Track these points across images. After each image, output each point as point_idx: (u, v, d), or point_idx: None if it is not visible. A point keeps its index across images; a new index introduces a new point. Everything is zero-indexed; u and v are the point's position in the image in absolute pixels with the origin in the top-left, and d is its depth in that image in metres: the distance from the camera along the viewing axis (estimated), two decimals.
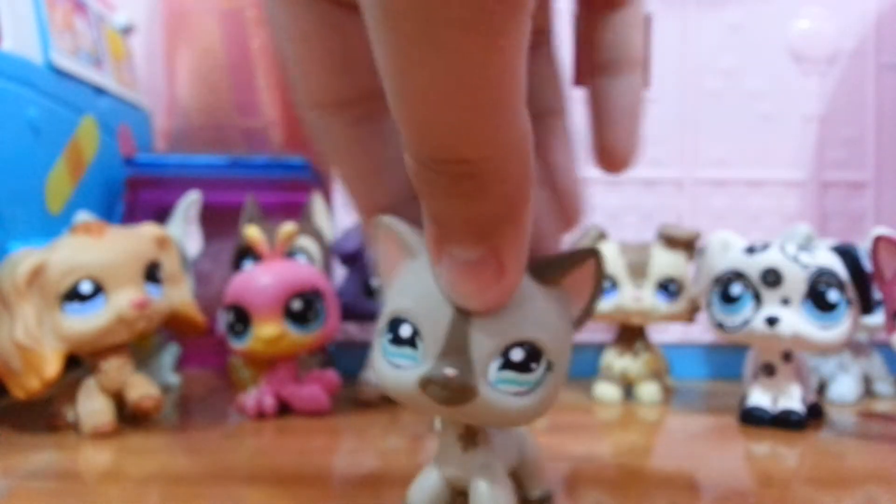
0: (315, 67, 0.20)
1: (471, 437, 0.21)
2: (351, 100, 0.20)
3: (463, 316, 0.18)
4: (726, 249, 0.37)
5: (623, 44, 0.23)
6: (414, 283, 0.19)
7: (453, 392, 0.18)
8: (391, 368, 0.19)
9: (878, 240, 0.33)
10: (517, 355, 0.18)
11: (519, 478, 0.24)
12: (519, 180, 0.16)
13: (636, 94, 0.23)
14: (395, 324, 0.19)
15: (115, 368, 0.35)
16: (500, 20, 0.13)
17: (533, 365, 0.19)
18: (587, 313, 0.20)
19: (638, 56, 0.23)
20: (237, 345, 0.37)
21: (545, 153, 0.22)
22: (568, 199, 0.22)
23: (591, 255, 0.20)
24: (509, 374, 0.18)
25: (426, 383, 0.18)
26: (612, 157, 0.23)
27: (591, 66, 0.23)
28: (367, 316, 0.42)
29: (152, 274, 0.36)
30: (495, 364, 0.18)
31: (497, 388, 0.18)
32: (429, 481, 0.22)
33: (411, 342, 0.19)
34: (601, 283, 0.20)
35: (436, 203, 0.16)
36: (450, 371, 0.18)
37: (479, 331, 0.18)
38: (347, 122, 0.21)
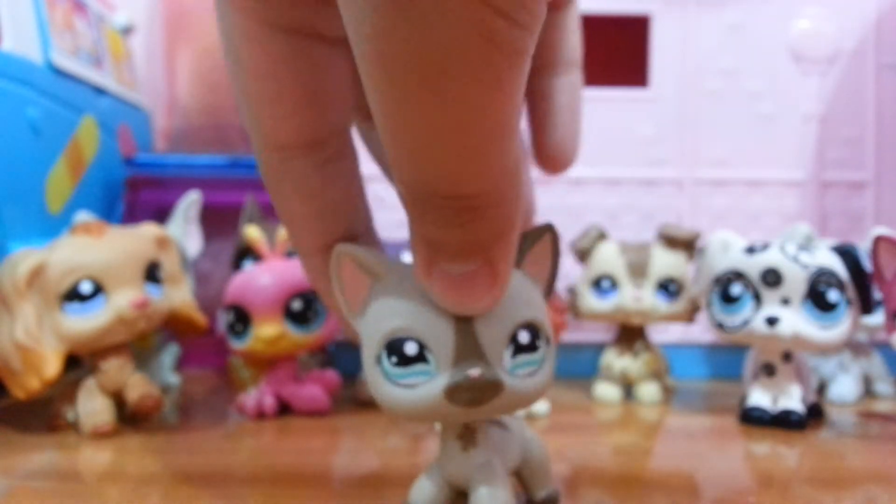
0: (282, 106, 0.18)
1: (470, 436, 0.21)
2: (320, 140, 0.19)
3: (464, 317, 0.18)
4: (726, 249, 0.37)
5: (563, 44, 0.23)
6: (398, 303, 0.19)
7: (482, 391, 0.18)
8: (403, 391, 0.19)
9: (878, 240, 0.33)
10: (524, 337, 0.19)
11: (524, 478, 0.24)
12: (513, 201, 0.16)
13: (577, 92, 0.23)
14: (395, 345, 0.19)
15: (115, 368, 0.35)
16: (501, 70, 0.13)
17: (538, 343, 0.19)
18: (550, 288, 0.21)
19: (577, 56, 0.23)
20: (237, 345, 0.37)
21: None
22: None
23: (546, 230, 0.20)
24: (522, 358, 0.19)
25: (453, 391, 0.18)
26: (556, 156, 0.23)
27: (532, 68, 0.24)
28: None
29: (152, 274, 0.36)
30: (508, 352, 0.19)
31: (514, 374, 0.19)
32: (430, 482, 0.22)
33: (421, 358, 0.19)
34: (558, 256, 0.20)
35: (433, 230, 0.16)
36: (474, 372, 0.18)
37: (484, 326, 0.18)
38: (315, 164, 0.19)
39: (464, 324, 0.18)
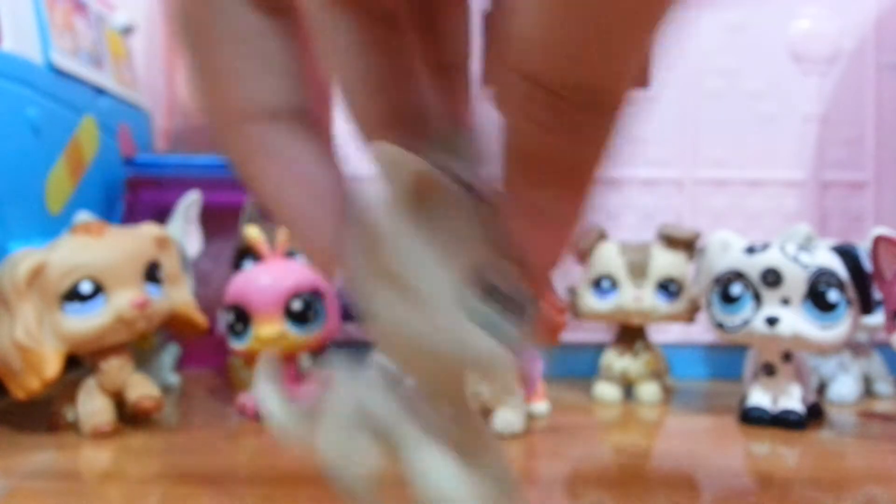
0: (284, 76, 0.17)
1: None
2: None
3: None
4: (726, 249, 0.37)
5: None
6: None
7: None
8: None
9: (878, 240, 0.33)
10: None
11: None
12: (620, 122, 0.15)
13: None
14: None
15: (115, 368, 0.35)
16: None
17: None
18: None
19: None
20: (237, 345, 0.37)
21: None
22: None
23: None
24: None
25: None
26: None
27: None
28: None
29: (152, 274, 0.36)
30: None
31: None
32: None
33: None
34: None
35: (540, 134, 0.15)
36: None
37: None
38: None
39: None
